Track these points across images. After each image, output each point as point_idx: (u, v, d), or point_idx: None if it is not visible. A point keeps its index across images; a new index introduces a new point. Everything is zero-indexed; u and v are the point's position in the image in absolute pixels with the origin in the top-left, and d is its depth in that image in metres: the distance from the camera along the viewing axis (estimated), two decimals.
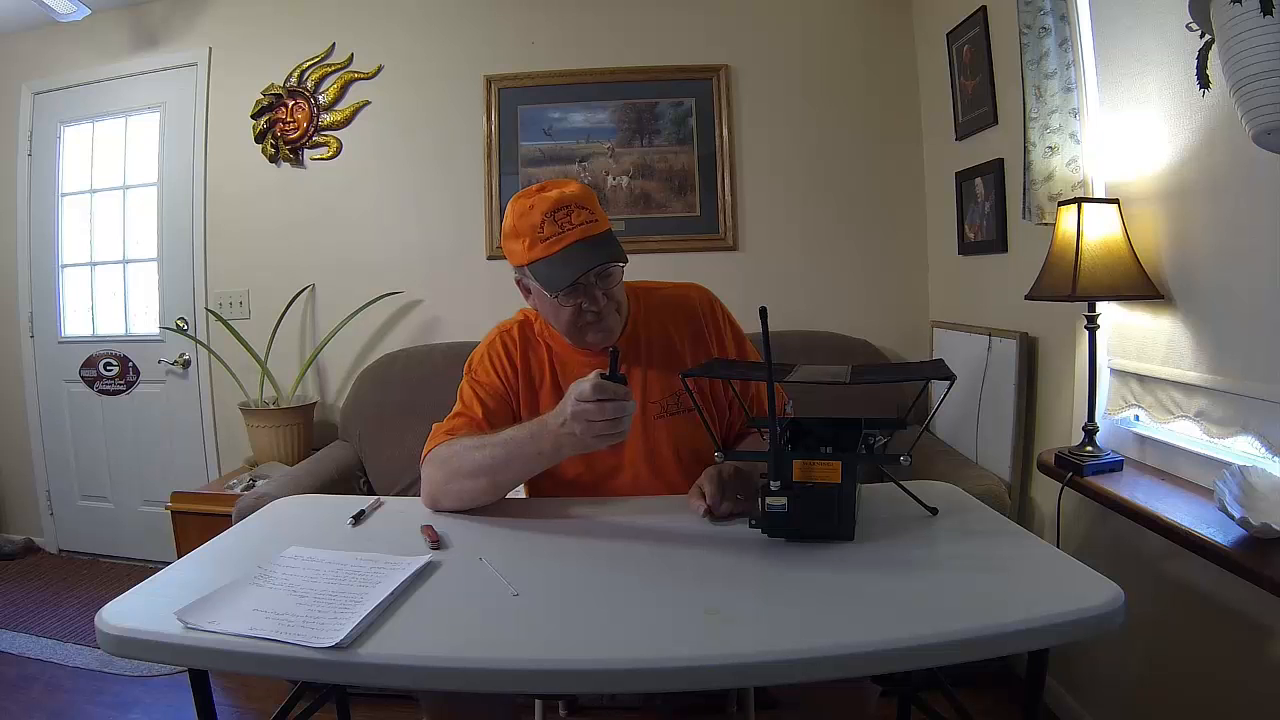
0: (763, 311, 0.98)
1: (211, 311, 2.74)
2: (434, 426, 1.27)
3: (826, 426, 1.14)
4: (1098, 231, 1.43)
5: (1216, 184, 1.29)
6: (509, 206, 1.22)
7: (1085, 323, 1.50)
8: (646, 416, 1.28)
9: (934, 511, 1.10)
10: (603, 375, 1.01)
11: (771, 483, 0.99)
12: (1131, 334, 1.54)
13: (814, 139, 2.64)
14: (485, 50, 2.69)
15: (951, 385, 1.02)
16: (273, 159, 2.75)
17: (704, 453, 1.26)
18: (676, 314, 1.34)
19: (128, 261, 2.96)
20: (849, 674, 0.83)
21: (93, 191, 2.97)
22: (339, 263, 2.74)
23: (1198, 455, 1.38)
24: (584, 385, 1.02)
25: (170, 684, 2.02)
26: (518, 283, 1.28)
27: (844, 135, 2.64)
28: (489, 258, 2.69)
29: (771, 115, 2.65)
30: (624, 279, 1.28)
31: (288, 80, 2.73)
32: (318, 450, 2.46)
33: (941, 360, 1.25)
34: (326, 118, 2.73)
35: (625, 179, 2.65)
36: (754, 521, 1.01)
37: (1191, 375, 1.35)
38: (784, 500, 0.98)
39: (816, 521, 1.00)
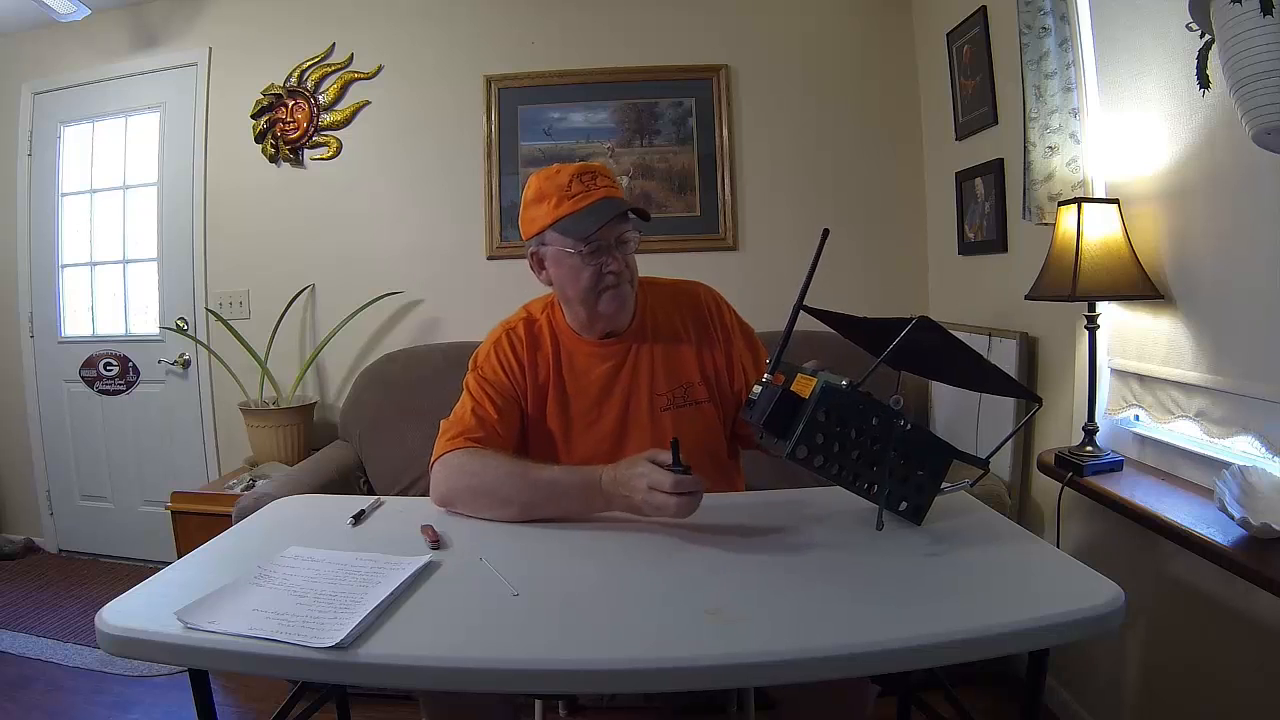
0: (824, 232, 1.04)
1: (211, 311, 2.74)
2: (442, 424, 1.26)
3: (920, 436, 1.06)
4: (1098, 231, 1.43)
5: (1216, 184, 1.29)
6: (531, 180, 1.27)
7: (1085, 323, 1.50)
8: (653, 410, 1.28)
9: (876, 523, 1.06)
10: (667, 466, 1.04)
11: (767, 374, 1.04)
12: (1131, 334, 1.54)
13: (814, 139, 2.64)
14: (485, 50, 2.69)
15: (1036, 410, 1.01)
16: (273, 159, 2.75)
17: (710, 445, 1.26)
18: (683, 308, 1.35)
19: (128, 261, 2.96)
20: (849, 674, 0.83)
21: (93, 191, 2.97)
22: (339, 263, 2.74)
23: (1198, 455, 1.38)
24: (658, 477, 1.02)
25: (170, 684, 2.02)
26: (531, 255, 1.29)
27: (844, 135, 2.64)
28: (489, 258, 2.69)
29: (771, 115, 2.65)
30: None
31: (288, 80, 2.73)
32: (318, 450, 2.46)
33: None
34: (326, 118, 2.73)
35: (625, 179, 2.65)
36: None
37: (1191, 375, 1.35)
38: (759, 389, 1.04)
39: (774, 420, 1.01)
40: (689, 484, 1.03)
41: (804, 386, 1.02)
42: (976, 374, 1.17)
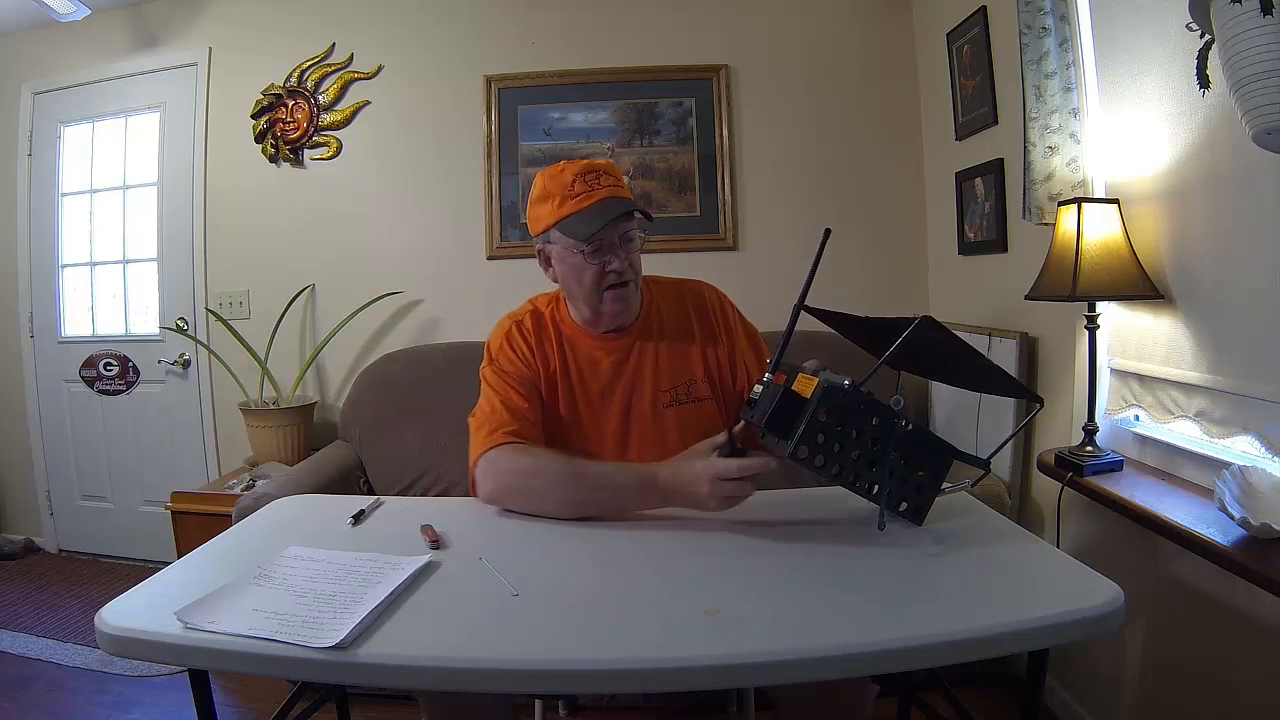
0: (826, 232, 1.03)
1: (211, 311, 2.74)
2: (472, 421, 1.26)
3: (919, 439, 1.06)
4: (1098, 231, 1.43)
5: (1216, 184, 1.29)
6: (536, 178, 1.28)
7: (1085, 323, 1.50)
8: (656, 406, 1.29)
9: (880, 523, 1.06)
10: (723, 452, 1.06)
11: (768, 373, 1.04)
12: (1131, 334, 1.54)
13: (814, 139, 2.64)
14: (485, 50, 2.69)
15: (1037, 410, 1.03)
16: (273, 159, 2.75)
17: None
18: (688, 305, 1.36)
19: (128, 261, 2.96)
20: (849, 674, 0.83)
21: (93, 191, 2.97)
22: (339, 263, 2.74)
23: (1198, 455, 1.38)
24: (722, 466, 1.04)
25: (170, 684, 2.02)
26: (539, 253, 1.30)
27: (844, 135, 2.64)
28: (489, 258, 2.69)
29: (771, 115, 2.65)
30: None
31: (288, 80, 2.73)
32: (318, 450, 2.46)
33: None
34: (326, 118, 2.73)
35: (625, 179, 2.65)
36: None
37: (1191, 375, 1.35)
38: (760, 389, 1.04)
39: (775, 419, 1.00)
40: (756, 466, 1.03)
41: (805, 386, 1.01)
42: (977, 374, 1.17)
